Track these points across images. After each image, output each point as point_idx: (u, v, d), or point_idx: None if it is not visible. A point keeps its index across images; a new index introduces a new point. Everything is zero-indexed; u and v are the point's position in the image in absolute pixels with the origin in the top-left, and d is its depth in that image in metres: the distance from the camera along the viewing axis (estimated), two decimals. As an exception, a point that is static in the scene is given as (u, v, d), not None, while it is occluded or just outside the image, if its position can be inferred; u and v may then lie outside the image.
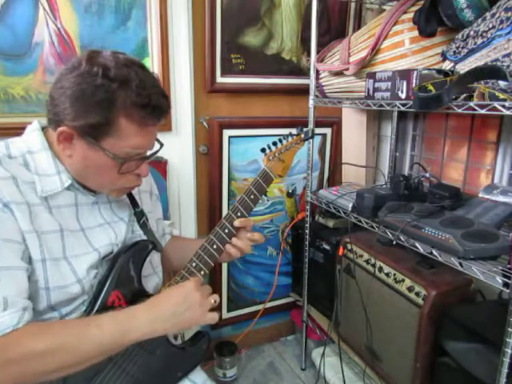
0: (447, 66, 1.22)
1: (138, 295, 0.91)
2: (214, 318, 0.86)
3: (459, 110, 1.05)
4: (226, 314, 1.97)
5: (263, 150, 1.03)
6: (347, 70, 1.50)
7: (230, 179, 1.82)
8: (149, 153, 0.87)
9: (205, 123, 1.72)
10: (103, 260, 0.90)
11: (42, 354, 0.71)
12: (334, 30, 1.84)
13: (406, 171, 1.85)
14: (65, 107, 0.77)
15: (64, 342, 0.73)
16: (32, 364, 0.71)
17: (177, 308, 0.81)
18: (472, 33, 1.13)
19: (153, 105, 0.78)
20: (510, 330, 0.92)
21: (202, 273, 0.95)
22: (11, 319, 0.71)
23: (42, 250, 0.78)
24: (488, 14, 1.09)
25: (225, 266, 1.90)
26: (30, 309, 0.75)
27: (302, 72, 1.82)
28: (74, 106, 0.76)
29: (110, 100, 0.75)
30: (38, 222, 0.78)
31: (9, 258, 0.73)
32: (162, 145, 0.91)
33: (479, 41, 1.10)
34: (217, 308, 0.87)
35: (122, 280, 0.90)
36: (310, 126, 1.66)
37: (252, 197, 0.99)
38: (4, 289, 0.71)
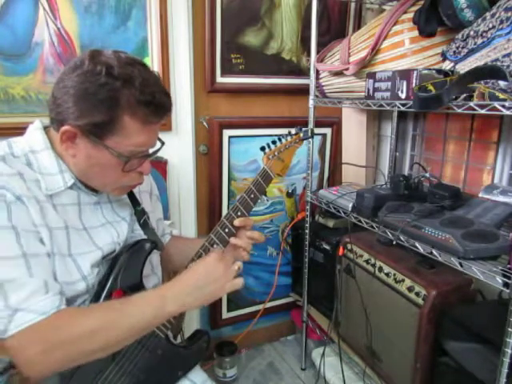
0: (447, 65, 1.22)
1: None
2: (239, 283, 0.87)
3: (459, 110, 1.05)
4: (225, 314, 1.97)
5: (263, 149, 1.04)
6: (347, 70, 1.50)
7: (229, 179, 1.82)
8: (151, 151, 0.88)
9: (205, 123, 1.72)
10: (104, 259, 0.90)
11: (90, 332, 0.73)
12: (334, 30, 1.84)
13: (406, 171, 1.85)
14: (68, 106, 0.76)
15: (109, 318, 0.75)
16: (80, 343, 0.73)
17: (203, 280, 0.83)
18: (472, 33, 1.13)
19: (156, 103, 0.79)
20: (510, 329, 0.92)
21: None
22: (53, 301, 0.73)
23: (52, 244, 0.78)
24: (488, 14, 1.09)
25: (225, 266, 1.90)
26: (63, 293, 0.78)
27: (302, 72, 1.82)
28: (77, 105, 0.76)
29: (113, 98, 0.75)
30: (47, 217, 0.79)
31: (34, 246, 0.75)
32: (163, 143, 0.91)
33: (479, 41, 1.10)
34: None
35: (123, 279, 0.90)
36: (310, 125, 1.66)
37: (252, 196, 0.99)
38: (41, 273, 0.73)
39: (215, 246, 0.96)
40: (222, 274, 0.84)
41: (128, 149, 0.80)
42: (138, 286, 0.93)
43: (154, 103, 0.78)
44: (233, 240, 0.98)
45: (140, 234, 0.98)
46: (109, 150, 0.79)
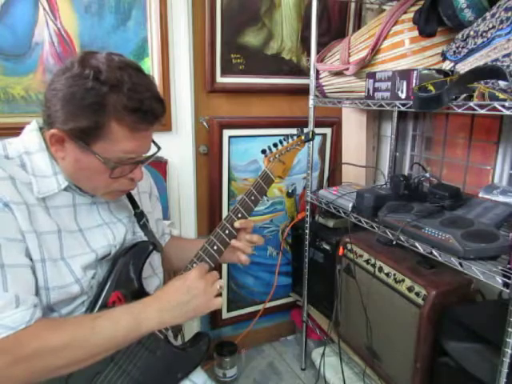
0: (447, 66, 1.22)
1: (138, 296, 0.90)
2: (217, 303, 0.86)
3: (459, 110, 1.05)
4: (225, 314, 1.97)
5: (264, 152, 1.03)
6: (347, 70, 1.50)
7: (230, 179, 1.82)
8: (144, 156, 0.86)
9: (205, 123, 1.72)
10: (102, 261, 0.89)
11: (56, 348, 0.72)
12: (334, 29, 1.84)
13: (406, 171, 1.85)
14: (56, 109, 0.76)
15: (77, 335, 0.74)
16: (46, 359, 0.72)
17: (182, 297, 0.82)
18: (472, 33, 1.13)
19: (145, 109, 0.76)
20: (510, 329, 0.92)
21: None
22: (23, 316, 0.71)
23: (42, 250, 0.78)
24: (488, 14, 1.09)
25: (225, 267, 1.90)
26: (40, 306, 0.76)
27: (302, 72, 1.82)
28: (64, 109, 0.75)
29: (100, 104, 0.74)
30: (37, 222, 0.78)
31: (15, 256, 0.73)
32: (159, 148, 0.90)
33: (479, 41, 1.10)
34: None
35: (122, 281, 0.90)
36: (310, 126, 1.66)
37: (252, 198, 0.99)
38: (14, 286, 0.72)
39: (200, 261, 0.94)
40: (202, 292, 0.83)
41: (116, 155, 0.79)
42: (136, 288, 0.92)
43: (142, 110, 0.76)
44: (233, 242, 0.98)
45: (141, 236, 0.98)
46: (96, 156, 0.78)
